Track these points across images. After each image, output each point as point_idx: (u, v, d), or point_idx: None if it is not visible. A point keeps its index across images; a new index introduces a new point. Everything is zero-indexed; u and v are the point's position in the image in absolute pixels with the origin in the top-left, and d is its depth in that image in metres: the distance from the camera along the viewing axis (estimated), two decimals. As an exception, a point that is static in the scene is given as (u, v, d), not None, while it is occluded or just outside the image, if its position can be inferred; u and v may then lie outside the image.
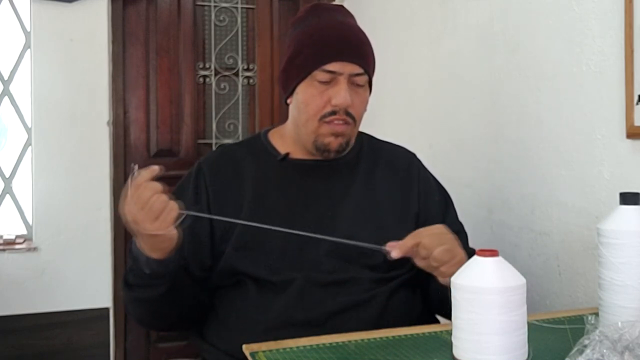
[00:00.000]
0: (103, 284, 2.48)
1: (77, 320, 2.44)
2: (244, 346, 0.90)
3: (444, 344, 0.91)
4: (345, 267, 1.15)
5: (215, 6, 2.73)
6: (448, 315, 1.05)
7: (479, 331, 0.78)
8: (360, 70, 1.16)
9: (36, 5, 2.40)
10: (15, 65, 2.46)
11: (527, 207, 1.47)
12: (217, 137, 2.72)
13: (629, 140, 1.18)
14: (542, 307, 1.40)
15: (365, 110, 1.22)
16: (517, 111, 1.51)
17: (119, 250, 2.55)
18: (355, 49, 1.16)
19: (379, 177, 1.26)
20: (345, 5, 2.63)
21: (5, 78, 2.45)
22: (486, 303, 0.77)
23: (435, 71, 1.95)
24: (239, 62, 2.76)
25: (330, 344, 0.92)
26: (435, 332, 0.97)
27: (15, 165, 2.47)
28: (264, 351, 0.88)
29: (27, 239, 2.46)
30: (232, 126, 2.75)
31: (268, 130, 1.32)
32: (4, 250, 2.36)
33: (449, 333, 0.85)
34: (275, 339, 0.95)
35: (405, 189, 1.27)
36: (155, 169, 1.03)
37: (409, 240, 1.05)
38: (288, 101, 1.23)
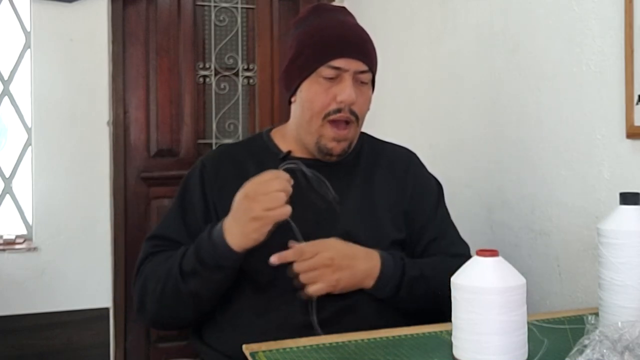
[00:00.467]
0: (103, 284, 2.48)
1: (77, 320, 2.44)
2: (244, 346, 0.90)
3: (444, 344, 0.91)
4: None
5: (215, 6, 2.73)
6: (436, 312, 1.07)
7: (479, 331, 0.78)
8: (365, 68, 1.16)
9: (36, 5, 2.40)
10: (15, 65, 2.46)
11: (527, 207, 1.47)
12: (217, 137, 2.72)
13: (629, 140, 1.18)
14: (542, 307, 1.40)
15: (368, 109, 1.23)
16: (517, 111, 1.51)
17: (119, 250, 2.55)
18: (360, 47, 1.17)
19: (378, 178, 1.26)
20: (345, 5, 2.64)
21: (5, 78, 2.45)
22: (486, 303, 0.77)
23: (435, 71, 1.95)
24: (239, 62, 2.76)
25: (330, 344, 0.92)
26: (435, 332, 0.97)
27: (15, 165, 2.47)
28: (264, 351, 0.88)
29: (27, 239, 2.46)
30: (232, 126, 2.75)
31: (270, 130, 1.32)
32: (4, 250, 2.36)
33: (449, 333, 0.85)
34: (274, 340, 0.95)
35: (401, 188, 1.27)
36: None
37: (291, 253, 1.08)
38: (292, 100, 1.23)
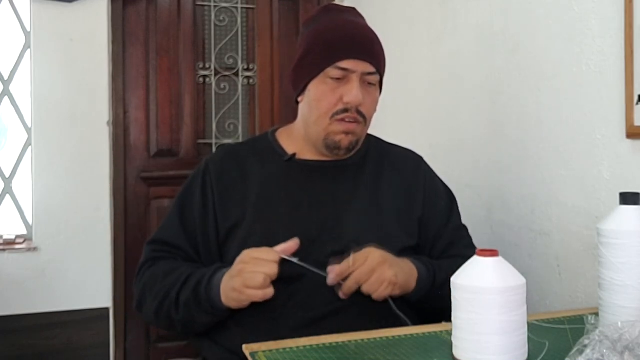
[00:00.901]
0: (103, 284, 2.48)
1: (77, 320, 2.44)
2: (244, 346, 0.90)
3: (444, 344, 0.91)
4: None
5: (215, 6, 2.73)
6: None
7: (479, 331, 0.78)
8: (373, 69, 1.16)
9: (36, 5, 2.40)
10: (15, 65, 2.46)
11: (527, 207, 1.47)
12: (217, 137, 2.72)
13: (629, 140, 1.18)
14: (542, 307, 1.40)
15: (375, 110, 1.22)
16: (517, 111, 1.51)
17: (119, 250, 2.55)
18: (368, 48, 1.17)
19: (385, 181, 1.26)
20: (346, 5, 2.64)
21: (5, 78, 2.45)
22: (486, 303, 0.77)
23: (435, 71, 1.95)
24: (239, 62, 2.76)
25: (330, 344, 0.92)
26: (435, 332, 0.97)
27: (15, 165, 2.47)
28: (264, 351, 0.88)
29: (27, 239, 2.46)
30: (232, 126, 2.75)
31: (275, 130, 1.32)
32: (4, 250, 2.36)
33: (449, 333, 0.85)
34: (277, 336, 0.95)
35: (410, 193, 1.26)
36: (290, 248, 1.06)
37: (344, 266, 1.07)
38: (299, 99, 1.23)
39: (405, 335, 0.96)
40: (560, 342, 0.89)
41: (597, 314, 0.90)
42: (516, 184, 1.51)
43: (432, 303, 1.15)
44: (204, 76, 2.72)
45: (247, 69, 2.77)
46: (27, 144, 2.46)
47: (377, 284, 1.06)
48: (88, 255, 2.45)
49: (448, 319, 0.85)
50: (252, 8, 2.78)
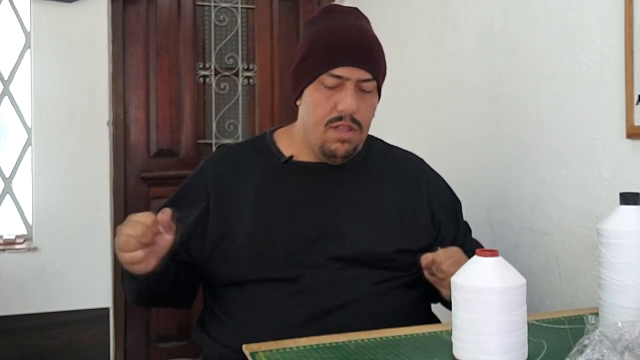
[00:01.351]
0: (103, 284, 2.48)
1: (77, 320, 2.44)
2: (244, 346, 0.91)
3: (444, 344, 0.91)
4: (350, 268, 1.15)
5: (215, 6, 2.73)
6: None
7: (479, 331, 0.78)
8: (368, 76, 1.15)
9: (36, 5, 2.40)
10: (15, 65, 2.46)
11: (527, 207, 1.47)
12: (217, 137, 2.72)
13: (629, 140, 1.18)
14: (542, 307, 1.40)
15: (373, 116, 1.21)
16: (517, 111, 1.51)
17: (119, 250, 2.54)
18: (364, 54, 1.15)
19: (386, 183, 1.26)
20: (346, 5, 2.64)
21: (5, 78, 2.45)
22: (486, 303, 0.77)
23: (435, 71, 1.95)
24: (239, 62, 2.76)
25: (330, 344, 0.92)
26: (435, 332, 0.97)
27: (15, 165, 2.47)
28: (264, 351, 0.88)
29: (27, 239, 2.46)
30: (232, 126, 2.75)
31: (274, 130, 1.31)
32: (4, 250, 2.36)
33: (449, 333, 0.85)
34: (278, 334, 0.95)
35: (413, 196, 1.26)
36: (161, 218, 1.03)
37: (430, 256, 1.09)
38: (297, 103, 1.23)
39: (405, 335, 0.96)
40: (560, 342, 0.89)
41: (597, 314, 0.90)
42: (516, 184, 1.51)
43: None
44: (204, 76, 2.72)
45: (247, 69, 2.77)
46: (27, 144, 2.46)
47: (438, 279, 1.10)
48: (88, 255, 2.45)
49: None
50: (252, 8, 2.78)
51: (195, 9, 2.71)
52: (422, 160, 1.35)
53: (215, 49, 2.73)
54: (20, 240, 2.43)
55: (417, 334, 0.97)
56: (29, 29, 2.44)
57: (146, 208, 2.61)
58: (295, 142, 1.25)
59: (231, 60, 2.75)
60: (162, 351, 2.62)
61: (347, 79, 1.13)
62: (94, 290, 2.47)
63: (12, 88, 2.46)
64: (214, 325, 1.18)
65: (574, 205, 1.32)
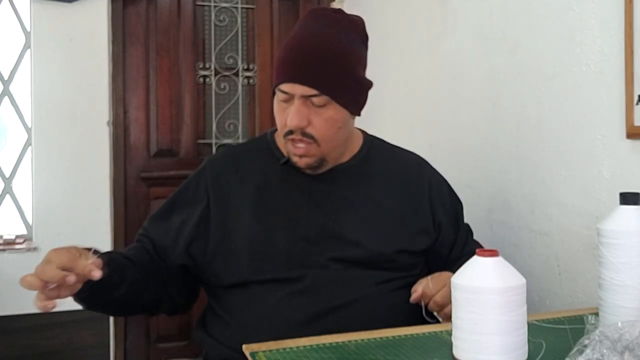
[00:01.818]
0: (103, 284, 2.48)
1: (77, 320, 2.44)
2: (244, 346, 0.90)
3: (444, 344, 0.91)
4: (351, 269, 1.15)
5: (215, 6, 2.74)
6: None
7: (479, 331, 0.78)
8: (313, 92, 1.11)
9: (36, 5, 2.40)
10: (15, 65, 2.46)
11: (527, 207, 1.47)
12: (217, 137, 2.72)
13: (629, 140, 1.18)
14: (542, 307, 1.40)
15: (335, 129, 1.15)
16: (517, 111, 1.51)
17: (119, 250, 2.55)
18: (308, 70, 1.11)
19: (386, 183, 1.25)
20: (345, 5, 2.64)
21: (5, 78, 2.46)
22: (486, 303, 0.77)
23: (435, 71, 1.95)
24: (239, 62, 2.76)
25: (330, 344, 0.92)
26: (435, 332, 0.97)
27: (15, 165, 2.47)
28: (264, 351, 0.88)
29: (27, 239, 2.46)
30: (232, 126, 2.75)
31: (275, 130, 1.31)
32: (4, 250, 2.36)
33: (449, 333, 0.85)
34: (278, 334, 0.95)
35: (414, 197, 1.26)
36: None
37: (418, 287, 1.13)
38: None
39: (405, 335, 0.96)
40: (560, 342, 0.89)
41: (597, 314, 0.90)
42: (516, 184, 1.51)
43: None
44: (204, 76, 2.72)
45: (247, 69, 2.77)
46: (27, 144, 2.46)
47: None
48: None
49: None
50: (252, 8, 2.79)
51: (195, 9, 2.71)
52: (423, 161, 1.34)
53: (215, 49, 2.73)
54: (20, 240, 2.43)
55: (417, 334, 0.97)
56: (29, 29, 2.44)
57: (146, 208, 2.61)
58: None
59: (231, 60, 2.75)
60: (162, 351, 2.62)
61: (293, 95, 1.13)
62: (94, 290, 2.46)
63: (12, 88, 2.46)
64: (215, 325, 1.18)
65: (574, 205, 1.32)
